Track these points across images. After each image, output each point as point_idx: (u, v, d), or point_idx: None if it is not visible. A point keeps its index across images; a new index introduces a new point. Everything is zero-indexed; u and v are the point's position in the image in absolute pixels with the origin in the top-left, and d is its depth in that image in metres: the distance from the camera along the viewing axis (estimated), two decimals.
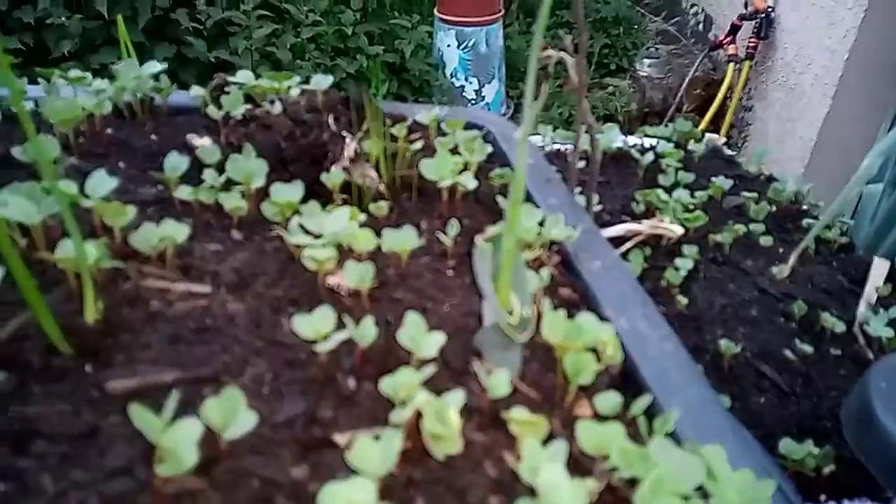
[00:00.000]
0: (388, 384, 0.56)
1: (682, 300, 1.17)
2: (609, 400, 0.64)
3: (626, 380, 0.72)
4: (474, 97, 4.16)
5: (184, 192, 0.84)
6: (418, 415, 0.54)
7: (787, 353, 1.10)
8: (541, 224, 0.91)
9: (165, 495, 0.46)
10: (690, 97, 4.62)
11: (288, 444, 0.51)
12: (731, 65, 3.99)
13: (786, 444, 0.93)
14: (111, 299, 0.62)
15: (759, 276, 1.26)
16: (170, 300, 0.65)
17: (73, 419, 0.51)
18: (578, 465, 0.57)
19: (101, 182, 0.74)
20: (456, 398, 0.54)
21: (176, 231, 0.72)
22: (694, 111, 4.57)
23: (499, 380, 0.60)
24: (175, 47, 2.95)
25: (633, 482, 0.53)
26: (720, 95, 4.09)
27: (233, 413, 0.49)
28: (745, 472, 0.57)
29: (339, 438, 0.53)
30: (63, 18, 2.71)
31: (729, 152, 1.78)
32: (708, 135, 1.87)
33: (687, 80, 4.46)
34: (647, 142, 1.78)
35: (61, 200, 0.59)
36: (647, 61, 4.88)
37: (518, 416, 0.54)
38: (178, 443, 0.46)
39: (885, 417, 0.70)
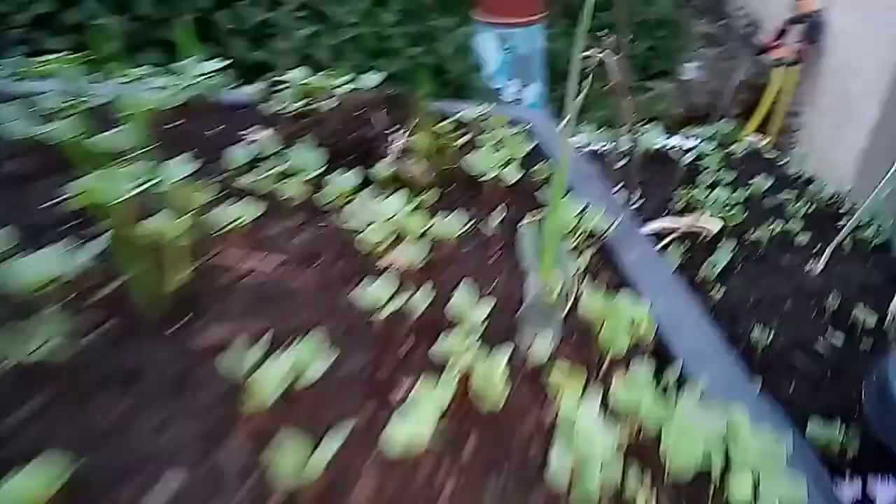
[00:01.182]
0: (440, 346, 0.62)
1: (719, 293, 1.21)
2: (641, 369, 0.70)
3: (659, 356, 0.77)
4: (514, 99, 4.20)
5: (246, 180, 0.92)
6: (466, 378, 0.60)
7: (819, 344, 1.13)
8: (581, 215, 0.96)
9: (249, 428, 0.53)
10: (736, 101, 4.57)
11: (354, 390, 0.58)
12: (779, 69, 3.96)
13: (813, 427, 0.96)
14: (192, 270, 0.70)
15: (794, 272, 1.29)
16: (243, 272, 0.72)
17: (167, 367, 0.59)
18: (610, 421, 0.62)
19: (179, 167, 0.81)
20: (501, 358, 0.60)
21: (247, 211, 0.79)
22: (740, 115, 4.53)
23: (540, 347, 0.66)
24: (217, 48, 3.04)
25: (658, 438, 0.58)
26: (767, 100, 4.04)
27: (309, 360, 0.55)
28: (764, 429, 0.61)
29: (398, 389, 0.59)
30: (108, 20, 2.82)
31: (770, 154, 1.80)
32: (749, 136, 1.89)
33: (733, 83, 4.42)
34: (689, 142, 1.81)
35: (151, 182, 0.66)
36: (691, 64, 4.86)
37: (558, 372, 0.60)
38: (262, 383, 0.53)
39: (886, 369, 0.74)
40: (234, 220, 0.79)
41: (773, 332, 1.12)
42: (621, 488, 0.54)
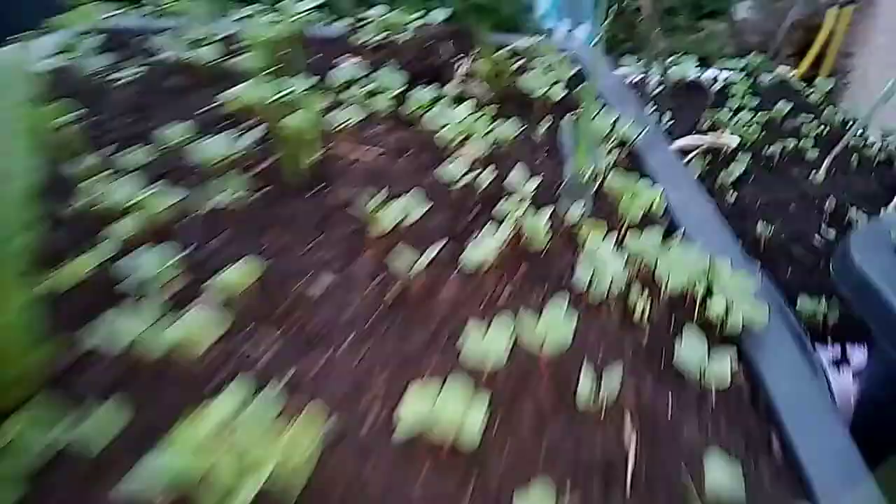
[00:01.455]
0: (500, 207, 0.87)
1: (732, 197, 1.42)
2: (653, 231, 0.92)
3: (668, 228, 0.99)
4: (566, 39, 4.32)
5: (345, 95, 1.17)
6: (519, 228, 0.84)
7: (815, 238, 1.33)
8: (614, 125, 1.18)
9: (374, 248, 0.78)
10: (790, 42, 4.57)
11: (441, 231, 0.83)
12: (833, 9, 3.96)
13: (802, 302, 1.18)
14: (319, 155, 0.95)
15: (801, 181, 1.48)
16: (355, 158, 0.97)
17: (311, 215, 0.84)
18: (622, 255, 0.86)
19: (301, 82, 1.06)
20: (544, 216, 0.84)
21: (352, 116, 1.04)
22: (793, 56, 4.54)
23: (574, 211, 0.89)
24: None
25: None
26: (819, 40, 4.06)
27: (411, 208, 0.80)
28: (741, 271, 0.84)
29: (471, 232, 0.84)
30: None
31: (796, 84, 1.96)
32: (779, 68, 2.05)
33: (787, 24, 4.43)
34: (722, 73, 1.99)
35: (284, 92, 0.91)
36: (744, 4, 4.87)
37: (586, 226, 0.84)
38: (381, 219, 0.78)
39: (856, 254, 0.95)
40: (343, 123, 1.03)
41: (775, 228, 1.33)
42: (626, 295, 0.78)
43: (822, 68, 4.10)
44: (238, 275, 0.72)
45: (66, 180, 0.83)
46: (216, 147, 0.90)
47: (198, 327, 0.66)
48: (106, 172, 0.84)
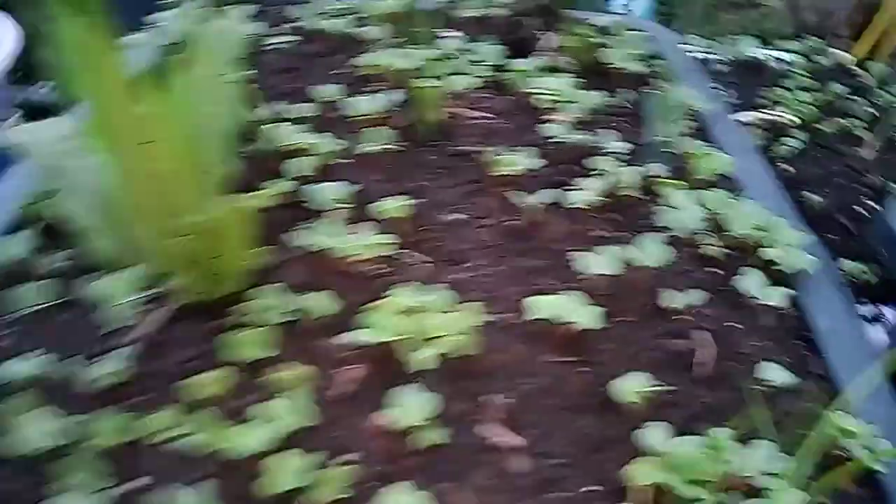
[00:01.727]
0: (592, 162, 1.05)
1: (786, 168, 1.58)
2: (720, 191, 1.10)
3: (734, 192, 1.16)
4: (624, 11, 4.41)
5: (452, 64, 1.35)
6: (609, 183, 1.02)
7: (859, 207, 1.49)
8: (685, 97, 1.35)
9: (495, 189, 0.98)
10: (849, 22, 4.56)
11: (545, 179, 1.02)
12: None
13: (845, 264, 1.34)
14: (442, 115, 1.14)
15: (851, 157, 1.63)
16: (468, 118, 1.16)
17: (441, 162, 1.04)
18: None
19: (422, 51, 1.25)
20: (631, 170, 1.02)
21: (461, 81, 1.23)
22: (851, 36, 4.51)
23: (654, 169, 1.08)
24: None
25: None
26: (881, 20, 4.05)
27: (521, 159, 1.00)
28: (795, 229, 1.01)
29: (570, 181, 1.03)
30: None
31: (853, 67, 2.09)
32: (836, 51, 2.17)
33: (846, 3, 4.43)
34: (782, 54, 2.12)
35: (412, 58, 1.10)
36: None
37: (664, 179, 1.02)
38: (500, 164, 0.98)
39: (893, 219, 1.11)
40: (454, 88, 1.22)
41: (823, 198, 1.49)
42: (698, 237, 0.96)
43: (882, 50, 4.11)
44: (393, 205, 0.92)
45: (248, 126, 1.04)
46: (361, 105, 1.10)
47: (369, 242, 0.86)
48: (277, 122, 1.05)
